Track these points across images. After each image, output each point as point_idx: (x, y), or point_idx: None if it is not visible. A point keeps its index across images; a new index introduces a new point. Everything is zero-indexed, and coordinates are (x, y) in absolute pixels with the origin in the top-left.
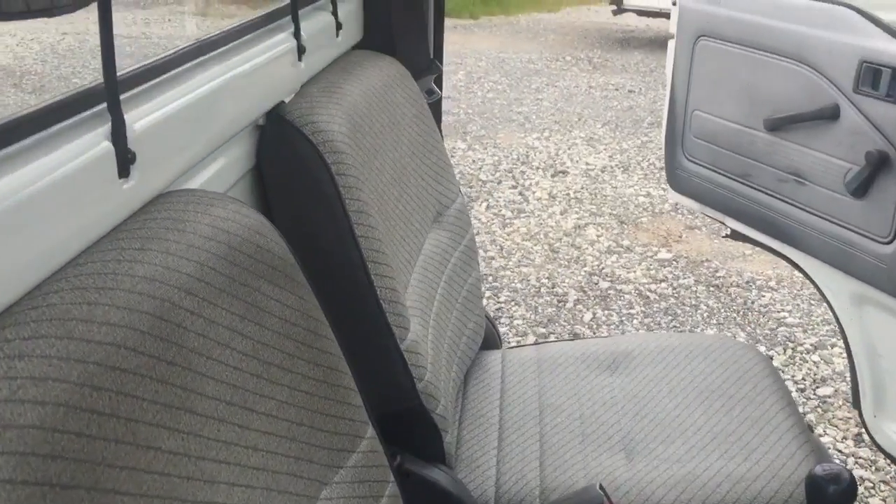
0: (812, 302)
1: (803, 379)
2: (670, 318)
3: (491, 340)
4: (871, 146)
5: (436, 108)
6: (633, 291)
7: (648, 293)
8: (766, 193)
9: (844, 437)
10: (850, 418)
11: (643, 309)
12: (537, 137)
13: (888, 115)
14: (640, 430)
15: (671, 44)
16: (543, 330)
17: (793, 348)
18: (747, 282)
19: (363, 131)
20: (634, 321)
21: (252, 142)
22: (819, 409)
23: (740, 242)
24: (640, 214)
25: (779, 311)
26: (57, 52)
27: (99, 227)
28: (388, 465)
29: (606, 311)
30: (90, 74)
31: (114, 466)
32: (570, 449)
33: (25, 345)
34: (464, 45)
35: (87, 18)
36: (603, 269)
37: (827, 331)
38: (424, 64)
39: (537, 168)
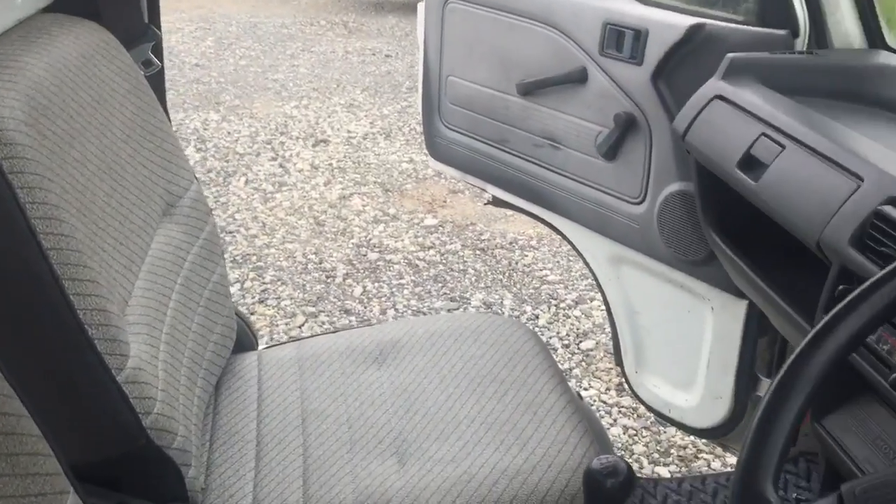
0: (570, 258)
1: (567, 335)
2: (440, 285)
3: (245, 342)
4: (619, 108)
5: (156, 82)
6: (402, 261)
7: (417, 262)
8: (524, 159)
9: (608, 389)
10: (611, 369)
11: (413, 278)
12: (295, 106)
13: (633, 76)
14: (413, 428)
15: (421, 7)
16: (313, 308)
17: (556, 305)
18: (510, 243)
19: (52, 115)
20: (405, 291)
21: None
22: (584, 364)
23: None
24: (405, 181)
25: (541, 270)
26: None
27: None
28: None
29: (377, 284)
30: None
31: None
32: (337, 460)
33: None
34: (211, 9)
35: None
36: (370, 239)
37: (585, 285)
38: (138, 30)
39: (297, 138)
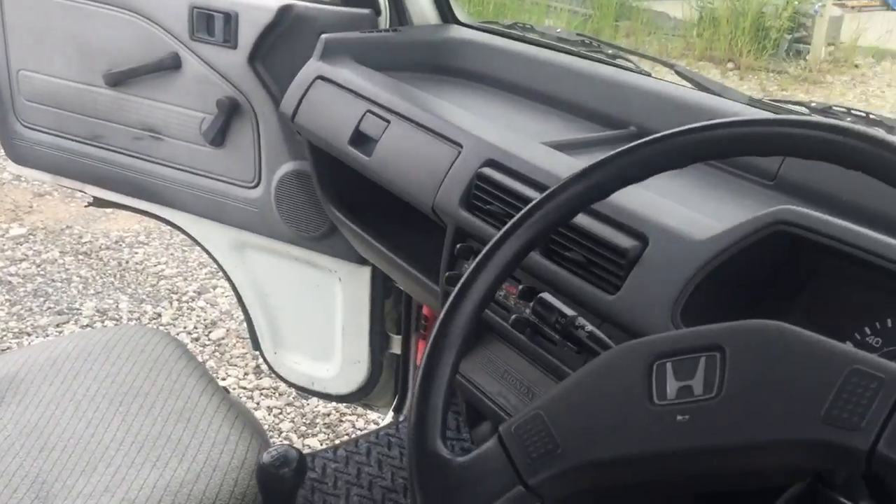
0: (185, 249)
1: (195, 327)
2: (42, 299)
3: None
4: (220, 94)
5: None
6: None
7: (9, 278)
8: (124, 154)
9: (246, 374)
10: (246, 354)
11: (8, 297)
12: None
13: (229, 60)
14: (52, 467)
15: None
16: None
17: (178, 300)
18: (116, 242)
19: None
20: (1, 314)
21: None
22: (217, 354)
23: None
24: None
25: (155, 266)
26: None
27: None
28: None
29: None
30: None
31: None
32: None
33: None
34: None
35: None
36: None
37: (206, 274)
38: None
39: None
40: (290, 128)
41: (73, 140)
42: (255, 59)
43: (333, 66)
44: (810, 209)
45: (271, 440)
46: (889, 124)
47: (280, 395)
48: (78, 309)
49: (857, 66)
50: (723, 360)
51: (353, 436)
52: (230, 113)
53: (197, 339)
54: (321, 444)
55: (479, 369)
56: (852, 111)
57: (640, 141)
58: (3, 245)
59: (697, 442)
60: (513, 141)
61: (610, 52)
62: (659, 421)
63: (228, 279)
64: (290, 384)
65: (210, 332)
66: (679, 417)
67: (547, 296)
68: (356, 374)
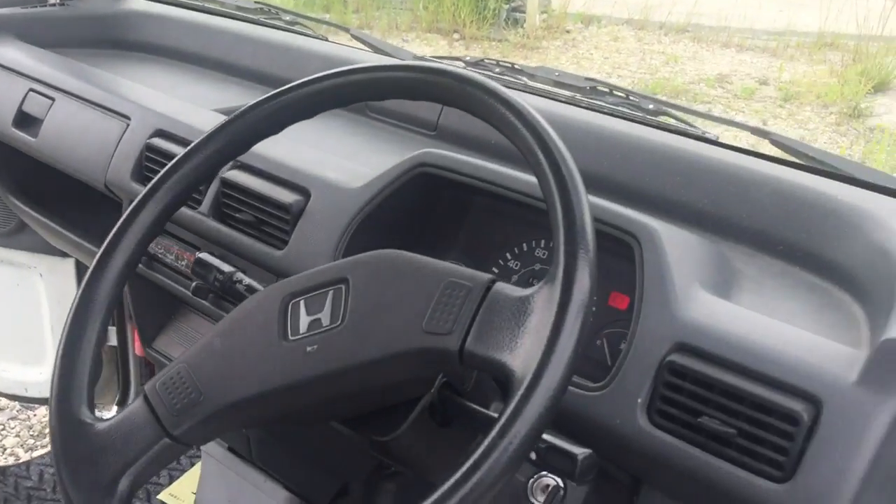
0: None
1: None
2: None
3: None
4: None
5: None
6: None
7: None
8: None
9: None
10: None
11: None
12: None
13: None
14: None
15: None
16: None
17: None
18: None
19: None
20: None
21: None
22: None
23: None
24: None
25: None
26: None
27: None
28: None
29: None
30: None
31: None
32: None
33: None
34: None
35: None
36: None
37: None
38: None
39: None
40: None
41: None
42: None
43: None
44: (462, 153)
45: None
46: (530, 72)
47: (1, 409)
48: None
49: (568, 31)
50: (347, 291)
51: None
52: None
53: None
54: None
55: (175, 343)
56: (500, 62)
57: (265, 96)
58: None
59: (324, 368)
60: (182, 109)
61: (287, 18)
62: (291, 355)
63: None
64: (3, 395)
65: None
66: (309, 349)
67: (204, 255)
68: None
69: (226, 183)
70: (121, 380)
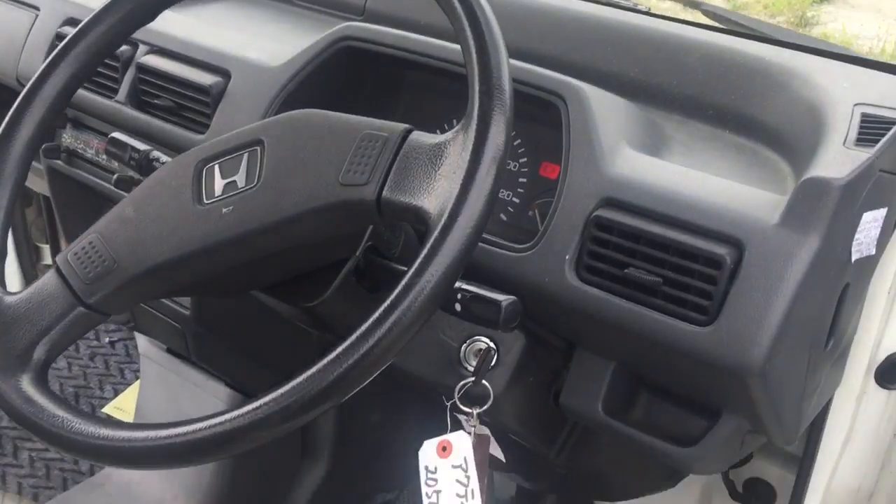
0: None
1: None
2: None
3: None
4: None
5: None
6: None
7: None
8: None
9: None
10: None
11: None
12: None
13: None
14: None
15: None
16: None
17: None
18: None
19: None
20: None
21: None
22: None
23: None
24: None
25: None
26: None
27: None
28: None
29: None
30: None
31: None
32: None
33: None
34: None
35: None
36: None
37: None
38: None
39: None
40: None
41: None
42: None
43: None
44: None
45: None
46: None
47: None
48: None
49: None
50: (262, 152)
51: None
52: None
53: None
54: None
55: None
56: None
57: None
58: None
59: (241, 228)
60: None
61: None
62: (206, 217)
63: None
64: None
65: None
66: (224, 210)
67: (117, 134)
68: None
69: (142, 68)
70: None
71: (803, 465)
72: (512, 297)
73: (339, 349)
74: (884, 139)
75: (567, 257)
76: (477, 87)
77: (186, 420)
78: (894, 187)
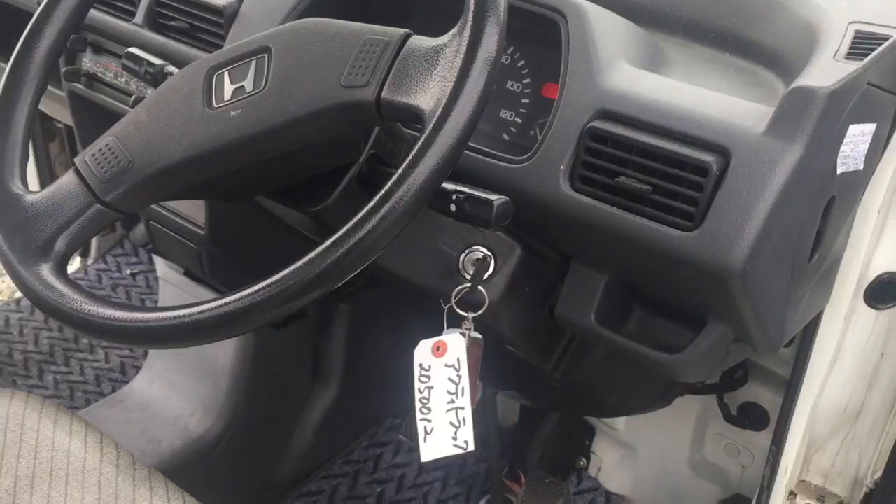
0: None
1: None
2: None
3: None
4: None
5: None
6: None
7: None
8: None
9: None
10: None
11: None
12: None
13: None
14: None
15: None
16: None
17: None
18: None
19: None
20: None
21: None
22: None
23: None
24: None
25: None
26: None
27: None
28: None
29: None
30: None
31: None
32: None
33: None
34: None
35: None
36: None
37: None
38: None
39: None
40: None
41: None
42: None
43: None
44: None
45: None
46: None
47: None
48: None
49: None
50: (269, 59)
51: None
52: None
53: None
54: None
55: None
56: None
57: None
58: None
59: (248, 130)
60: None
61: None
62: (216, 120)
63: None
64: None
65: None
66: (233, 113)
67: (133, 49)
68: None
69: None
70: None
71: (791, 384)
72: (504, 197)
73: (336, 236)
74: (874, 53)
75: (562, 167)
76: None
77: (195, 303)
78: (883, 103)
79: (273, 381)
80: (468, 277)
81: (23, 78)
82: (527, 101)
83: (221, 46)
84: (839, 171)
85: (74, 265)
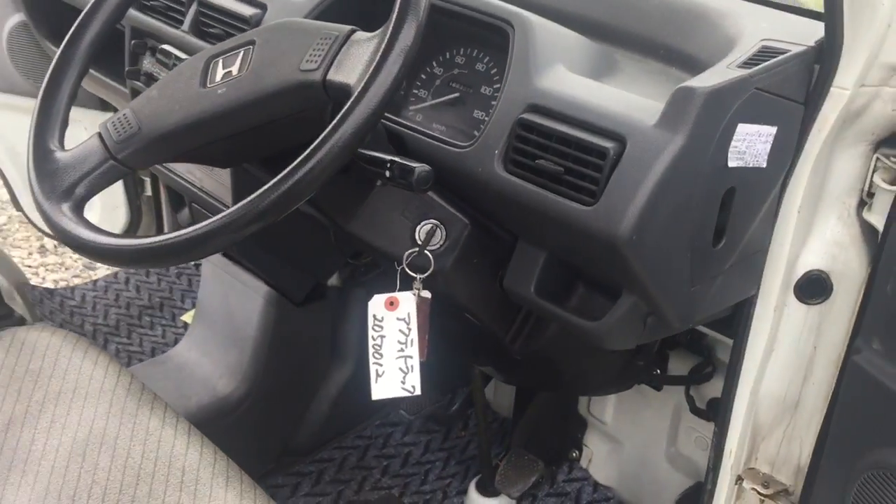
0: None
1: None
2: None
3: None
4: None
5: None
6: None
7: None
8: None
9: (30, 254)
10: (29, 237)
11: None
12: None
13: None
14: None
15: None
16: None
17: None
18: None
19: None
20: None
21: None
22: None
23: None
24: None
25: None
26: None
27: None
28: None
29: None
30: None
31: None
32: None
33: None
34: None
35: None
36: None
37: None
38: None
39: None
40: None
41: None
42: None
43: None
44: None
45: None
46: None
47: (66, 269)
48: None
49: None
50: (253, 49)
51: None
52: None
53: None
54: None
55: None
56: None
57: None
58: None
59: (229, 104)
60: None
61: None
62: (206, 96)
63: None
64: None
65: None
66: (220, 91)
67: (167, 46)
68: (118, 219)
69: (202, 3)
70: (160, 227)
71: (729, 372)
72: (425, 165)
73: (273, 181)
74: (765, 63)
75: (496, 152)
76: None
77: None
78: (783, 108)
79: (294, 355)
80: (419, 244)
81: (69, 62)
82: (495, 102)
83: None
84: (732, 164)
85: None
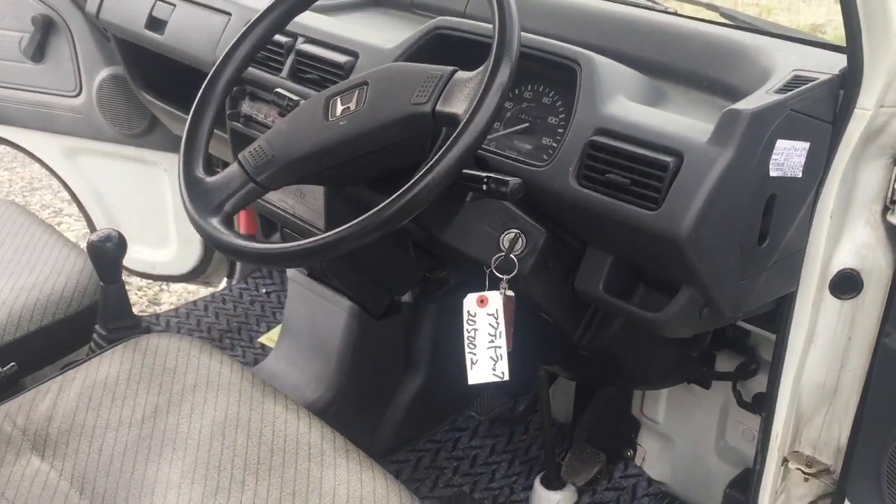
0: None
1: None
2: None
3: None
4: (33, 11)
5: None
6: None
7: None
8: None
9: None
10: None
11: None
12: None
13: None
14: None
15: None
16: None
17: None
18: None
19: None
20: None
21: None
22: None
23: None
24: None
25: None
26: None
27: None
28: None
29: None
30: None
31: None
32: None
33: None
34: None
35: None
36: None
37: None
38: None
39: None
40: (100, 31)
41: None
42: None
43: None
44: None
45: None
46: None
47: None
48: None
49: None
50: (367, 89)
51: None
52: (46, 29)
53: None
54: None
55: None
56: None
57: None
58: None
59: (350, 133)
60: None
61: None
62: (330, 128)
63: (65, 185)
64: (136, 273)
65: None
66: (341, 123)
67: (279, 89)
68: (191, 254)
69: (299, 52)
70: (231, 262)
71: (774, 363)
72: (517, 179)
73: (394, 196)
74: (798, 89)
75: (570, 169)
76: (495, 44)
77: (308, 239)
78: (814, 127)
79: (373, 365)
80: (504, 250)
81: (208, 104)
82: (561, 131)
83: None
84: (773, 174)
85: (221, 285)
